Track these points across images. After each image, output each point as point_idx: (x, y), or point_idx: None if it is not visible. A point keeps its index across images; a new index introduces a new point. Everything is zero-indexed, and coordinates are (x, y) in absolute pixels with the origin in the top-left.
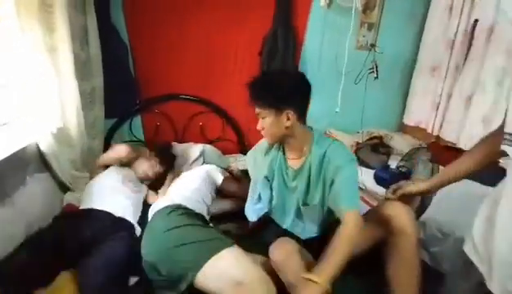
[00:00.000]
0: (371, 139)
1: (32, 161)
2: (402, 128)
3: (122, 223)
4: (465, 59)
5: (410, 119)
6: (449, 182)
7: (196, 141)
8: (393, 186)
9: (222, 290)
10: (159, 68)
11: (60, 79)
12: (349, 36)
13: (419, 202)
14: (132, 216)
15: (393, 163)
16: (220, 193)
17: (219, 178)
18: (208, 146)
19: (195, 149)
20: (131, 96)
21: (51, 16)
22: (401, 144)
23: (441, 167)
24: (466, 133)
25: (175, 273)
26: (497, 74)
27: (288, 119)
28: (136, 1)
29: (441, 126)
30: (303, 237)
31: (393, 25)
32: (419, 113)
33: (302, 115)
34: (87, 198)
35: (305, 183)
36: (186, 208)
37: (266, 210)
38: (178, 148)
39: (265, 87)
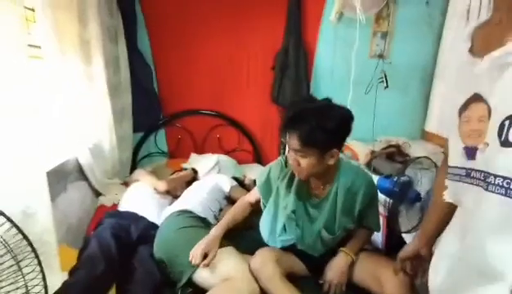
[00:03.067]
0: (388, 147)
1: (72, 172)
2: (425, 136)
3: (154, 228)
4: None
5: (432, 127)
6: (438, 234)
7: (214, 152)
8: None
9: (215, 283)
10: (179, 86)
11: (96, 102)
12: (356, 47)
13: None
14: (158, 220)
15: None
16: (230, 200)
17: (227, 187)
18: (223, 156)
19: (212, 159)
20: (155, 112)
21: (88, 50)
22: (420, 152)
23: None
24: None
25: (177, 269)
26: None
27: (332, 157)
28: (159, 29)
29: None
30: (315, 255)
31: (408, 33)
32: (439, 120)
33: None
34: (125, 203)
35: (331, 212)
36: (192, 212)
37: (293, 241)
38: (196, 158)
39: (311, 125)
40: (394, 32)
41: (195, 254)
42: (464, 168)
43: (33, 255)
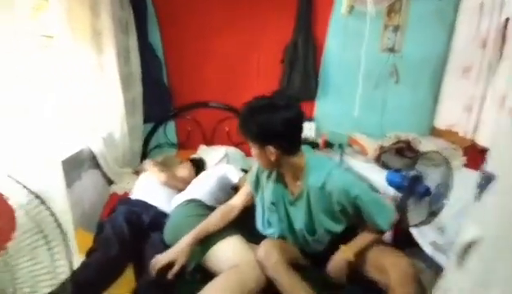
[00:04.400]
0: (397, 143)
1: (86, 160)
2: (434, 132)
3: (164, 217)
4: (499, 58)
5: (441, 122)
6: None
7: (223, 144)
8: None
9: (222, 270)
10: (189, 78)
11: (108, 93)
12: (371, 40)
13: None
14: (168, 209)
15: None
16: (237, 190)
17: (235, 178)
18: (231, 148)
19: (220, 151)
20: (165, 104)
21: (100, 40)
22: (430, 148)
23: None
24: None
25: (189, 255)
26: None
27: (271, 154)
28: (169, 21)
29: (475, 129)
30: (309, 251)
31: (420, 27)
32: (450, 115)
33: (288, 149)
34: (136, 191)
35: (305, 212)
36: (200, 201)
37: (277, 233)
38: (205, 149)
39: (249, 122)
40: (406, 26)
41: (158, 261)
42: None
43: (57, 231)
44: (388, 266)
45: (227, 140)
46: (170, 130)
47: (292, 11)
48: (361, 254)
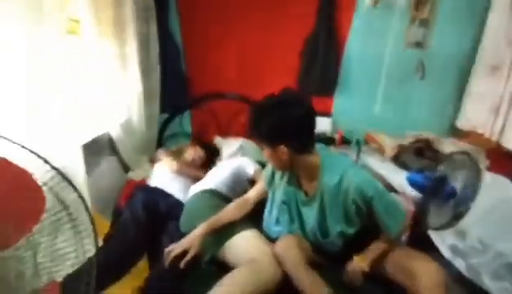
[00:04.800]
0: (416, 142)
1: (105, 146)
2: (456, 133)
3: (180, 206)
4: None
5: (465, 123)
6: None
7: (238, 136)
8: None
9: (238, 264)
10: (207, 68)
11: (128, 80)
12: (396, 34)
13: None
14: (183, 198)
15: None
16: (253, 183)
17: (251, 170)
18: (246, 141)
19: (235, 143)
20: (182, 94)
21: (123, 29)
22: (450, 149)
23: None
24: None
25: (203, 245)
26: None
27: (283, 154)
28: (190, 11)
29: (501, 131)
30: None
31: (449, 21)
32: (476, 116)
33: (300, 148)
34: (154, 179)
35: (319, 213)
36: (216, 191)
37: (285, 233)
38: (220, 141)
39: (258, 121)
40: (434, 19)
41: (172, 250)
42: None
43: (82, 208)
44: (416, 271)
45: (243, 133)
46: (186, 120)
47: (314, 2)
48: (375, 263)
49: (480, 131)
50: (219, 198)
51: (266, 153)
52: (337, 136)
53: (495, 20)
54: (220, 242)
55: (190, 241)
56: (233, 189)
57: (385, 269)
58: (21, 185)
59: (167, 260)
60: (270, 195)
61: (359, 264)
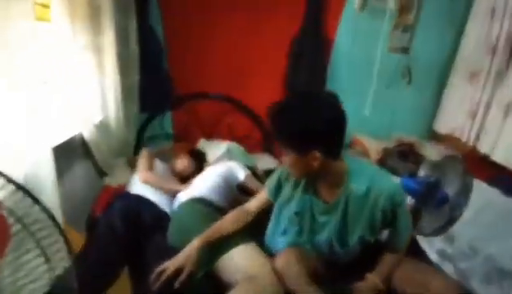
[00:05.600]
0: (400, 145)
1: (77, 149)
2: (434, 136)
3: (166, 217)
4: (507, 65)
5: (442, 127)
6: None
7: (223, 139)
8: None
9: (236, 281)
10: (190, 67)
11: (104, 76)
12: (382, 38)
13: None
14: (168, 209)
15: (422, 173)
16: (243, 190)
17: (241, 175)
18: (233, 144)
19: (221, 147)
20: (163, 93)
21: (98, 17)
22: (432, 153)
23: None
24: (502, 145)
25: (199, 260)
26: None
27: (314, 160)
28: (172, 6)
29: (477, 136)
30: (330, 262)
31: (430, 28)
32: (453, 120)
33: (332, 151)
34: (136, 185)
35: (340, 220)
36: (206, 200)
37: (291, 244)
38: (205, 144)
39: (288, 126)
40: (417, 26)
41: (166, 269)
42: None
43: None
44: (429, 283)
45: (228, 135)
46: (167, 120)
47: (301, 2)
48: (388, 280)
49: (457, 135)
50: (210, 206)
51: (289, 161)
52: None
53: (474, 28)
54: (215, 257)
55: (186, 257)
56: (224, 197)
57: (392, 281)
58: None
59: (159, 281)
60: (276, 207)
61: (374, 281)
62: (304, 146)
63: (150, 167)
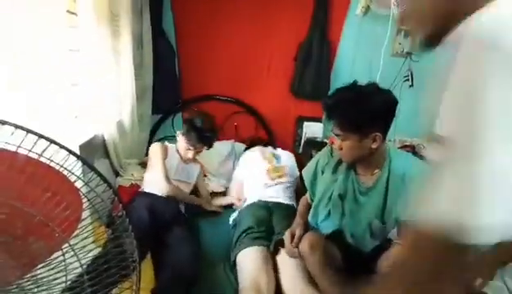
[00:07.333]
0: (402, 147)
1: (99, 148)
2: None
3: (181, 216)
4: None
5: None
6: None
7: (229, 139)
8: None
9: (241, 279)
10: (200, 70)
11: (121, 78)
12: (385, 43)
13: None
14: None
15: None
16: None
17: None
18: (239, 144)
19: (227, 146)
20: (174, 95)
21: (117, 24)
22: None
23: None
24: None
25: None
26: None
27: (374, 141)
28: (185, 11)
29: None
30: (366, 250)
31: None
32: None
33: (387, 134)
34: (150, 184)
35: (381, 200)
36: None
37: (333, 228)
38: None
39: (350, 110)
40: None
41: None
42: None
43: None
44: None
45: (235, 136)
46: (178, 122)
47: (308, 9)
48: None
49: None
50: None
51: (346, 145)
52: (328, 142)
53: None
54: (235, 250)
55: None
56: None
57: None
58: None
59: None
60: (319, 192)
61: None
62: (368, 128)
63: (164, 157)
